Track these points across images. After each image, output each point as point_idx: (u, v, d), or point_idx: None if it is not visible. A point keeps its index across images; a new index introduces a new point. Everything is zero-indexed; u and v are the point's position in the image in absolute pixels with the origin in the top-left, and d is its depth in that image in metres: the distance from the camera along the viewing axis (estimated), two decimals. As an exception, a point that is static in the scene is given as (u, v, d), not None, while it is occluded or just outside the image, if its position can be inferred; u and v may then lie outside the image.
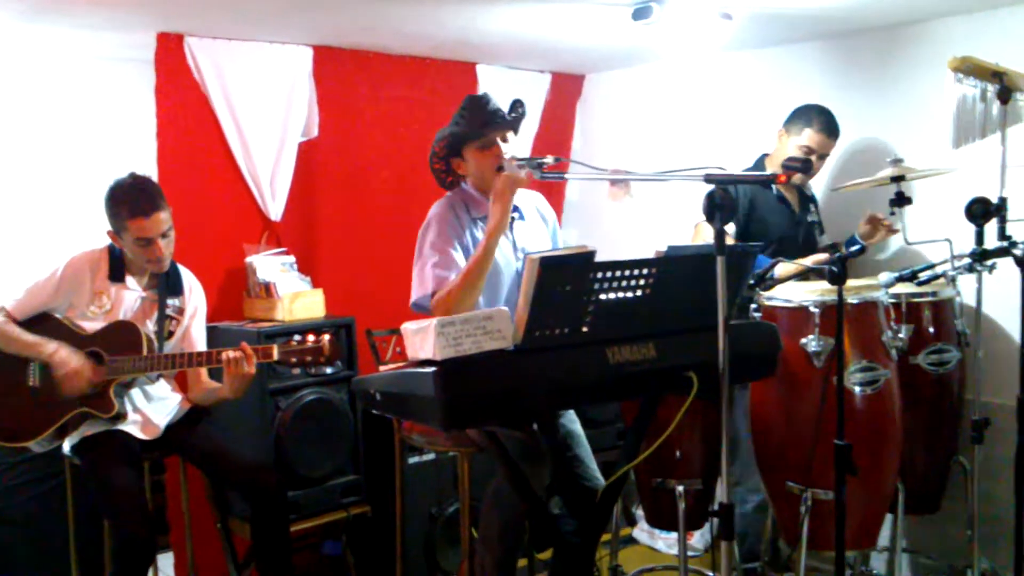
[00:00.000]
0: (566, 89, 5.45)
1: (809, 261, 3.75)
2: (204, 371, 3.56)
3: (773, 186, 4.01)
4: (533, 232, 3.40)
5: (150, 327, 3.46)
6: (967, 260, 3.33)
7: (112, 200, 3.36)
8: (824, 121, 3.95)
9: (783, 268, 3.53)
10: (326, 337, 3.33)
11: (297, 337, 3.36)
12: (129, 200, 3.33)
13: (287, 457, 3.87)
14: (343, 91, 4.50)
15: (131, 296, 3.47)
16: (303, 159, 4.39)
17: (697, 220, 4.06)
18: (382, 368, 2.77)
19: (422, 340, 2.41)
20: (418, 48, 4.59)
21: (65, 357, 3.29)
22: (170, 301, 3.54)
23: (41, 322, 3.40)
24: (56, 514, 3.81)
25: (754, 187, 3.93)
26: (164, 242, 3.38)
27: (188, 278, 3.64)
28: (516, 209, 3.36)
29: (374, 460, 4.18)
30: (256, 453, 3.78)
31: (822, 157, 3.98)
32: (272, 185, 4.30)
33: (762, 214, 3.96)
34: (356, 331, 4.12)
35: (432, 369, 2.33)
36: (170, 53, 3.97)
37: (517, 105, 3.29)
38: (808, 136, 3.94)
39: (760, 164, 4.13)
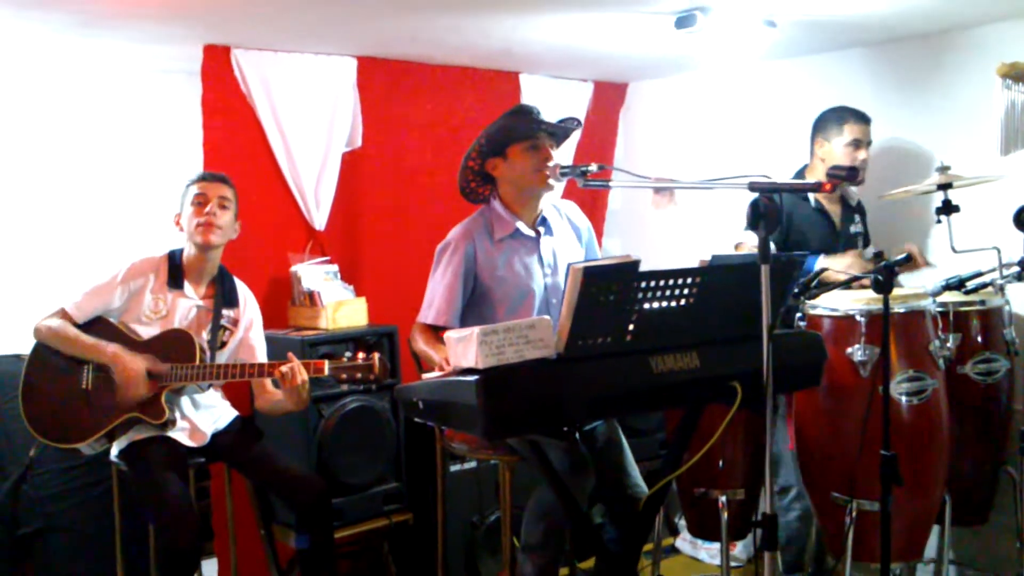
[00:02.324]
0: (609, 98, 5.45)
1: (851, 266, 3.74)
2: (268, 381, 3.58)
3: (812, 198, 3.98)
4: (562, 245, 3.40)
5: (204, 336, 3.51)
6: (1016, 268, 3.29)
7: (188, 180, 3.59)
8: (854, 111, 3.98)
9: (828, 275, 3.51)
10: (376, 355, 3.35)
11: (348, 354, 3.39)
12: (202, 173, 3.60)
13: (330, 464, 3.89)
14: (387, 101, 4.53)
15: (187, 304, 3.52)
16: (347, 169, 4.42)
17: (738, 240, 4.04)
18: (424, 376, 2.78)
19: (464, 349, 2.42)
20: (461, 58, 4.61)
21: (125, 361, 3.33)
22: (225, 312, 3.59)
23: (97, 326, 3.45)
24: (102, 520, 3.85)
25: (792, 199, 3.91)
26: (220, 212, 3.49)
27: (243, 290, 3.69)
28: (544, 222, 3.37)
29: (416, 468, 4.20)
30: (300, 460, 3.81)
31: (868, 145, 3.97)
32: (316, 195, 4.34)
33: (800, 226, 3.93)
34: (399, 340, 4.14)
35: (474, 378, 2.33)
36: (217, 65, 4.03)
37: (572, 120, 3.31)
38: (850, 130, 3.94)
39: (801, 176, 4.11)
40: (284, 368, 3.31)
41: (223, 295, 3.59)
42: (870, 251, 4.11)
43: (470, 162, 3.33)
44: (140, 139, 4.64)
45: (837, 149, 3.95)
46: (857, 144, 3.94)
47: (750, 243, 3.96)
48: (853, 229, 4.08)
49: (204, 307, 3.56)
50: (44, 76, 4.40)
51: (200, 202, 3.48)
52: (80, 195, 4.50)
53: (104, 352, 3.36)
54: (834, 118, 3.99)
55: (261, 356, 3.67)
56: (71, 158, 4.48)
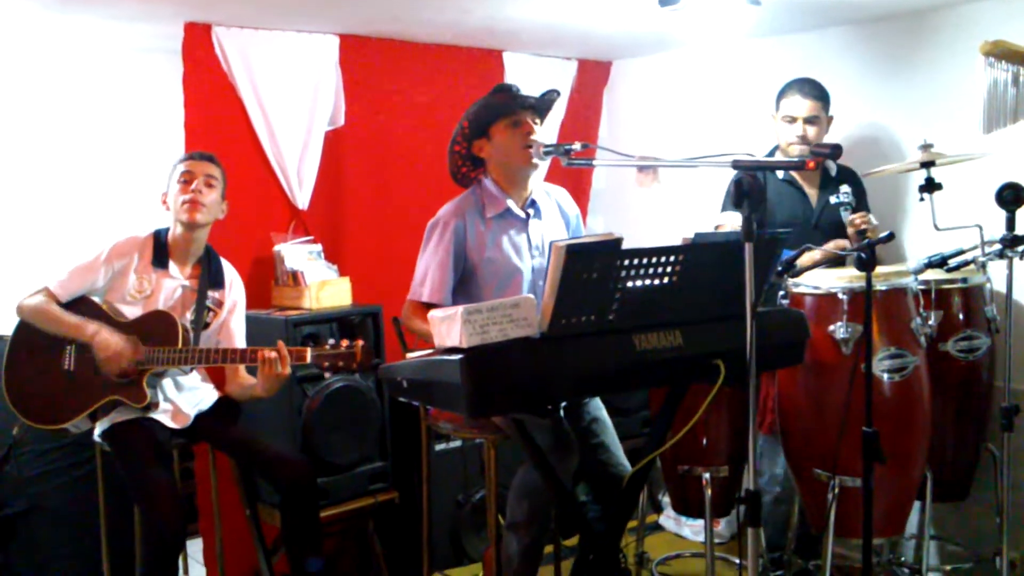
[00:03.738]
0: (593, 76, 5.43)
1: (831, 245, 3.75)
2: (242, 367, 3.58)
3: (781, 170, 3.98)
4: (550, 230, 3.40)
5: (188, 317, 3.49)
6: (998, 246, 3.30)
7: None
8: (798, 85, 3.95)
9: (807, 256, 3.51)
10: (360, 343, 3.35)
11: (332, 340, 3.38)
12: (189, 152, 3.59)
13: (314, 445, 3.89)
14: (369, 80, 4.51)
15: (172, 284, 3.51)
16: (330, 148, 4.40)
17: (718, 223, 4.04)
18: (409, 356, 2.78)
19: (449, 328, 2.42)
20: (444, 36, 4.59)
21: (106, 338, 3.32)
22: (211, 293, 3.57)
23: (80, 305, 3.44)
24: (86, 501, 3.85)
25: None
26: (205, 190, 3.47)
27: (230, 272, 3.68)
28: (533, 204, 3.37)
29: (401, 447, 4.20)
30: (284, 441, 3.80)
31: (812, 121, 3.93)
32: (299, 174, 4.32)
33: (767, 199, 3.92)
34: (383, 319, 4.14)
35: (458, 357, 2.34)
36: (198, 43, 3.99)
37: (551, 92, 3.30)
38: (786, 105, 3.94)
39: (772, 155, 4.10)
40: (271, 354, 3.31)
41: (209, 275, 3.58)
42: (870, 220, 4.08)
43: (456, 147, 3.33)
44: (121, 118, 4.61)
45: (780, 127, 3.96)
46: (791, 119, 3.92)
47: (730, 224, 3.97)
48: (833, 199, 4.03)
49: (189, 287, 3.54)
50: (23, 54, 4.36)
51: (186, 180, 3.47)
52: (61, 175, 4.47)
53: (85, 331, 3.34)
54: (779, 93, 3.99)
55: (239, 343, 3.64)
56: (51, 138, 4.45)
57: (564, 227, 3.48)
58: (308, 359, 3.33)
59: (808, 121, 3.92)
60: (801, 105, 3.91)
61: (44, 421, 3.41)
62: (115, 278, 3.47)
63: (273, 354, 3.31)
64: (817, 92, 3.94)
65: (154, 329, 3.39)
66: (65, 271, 3.45)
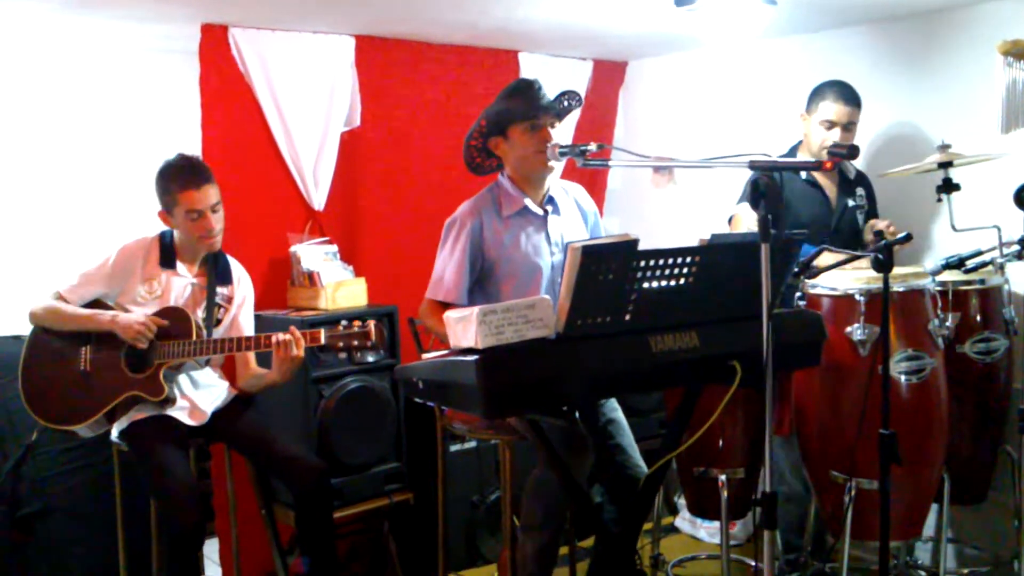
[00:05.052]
0: (608, 76, 5.43)
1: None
2: (252, 358, 3.60)
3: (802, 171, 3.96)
4: (569, 226, 3.39)
5: (199, 314, 3.51)
6: (1016, 247, 3.29)
7: (162, 177, 3.47)
8: (838, 90, 3.91)
9: (824, 257, 3.50)
10: (372, 322, 3.35)
11: (344, 322, 3.38)
12: (179, 175, 3.44)
13: (330, 445, 3.89)
14: (385, 80, 4.52)
15: (181, 283, 3.53)
16: (346, 149, 4.41)
17: (732, 213, 4.03)
18: (424, 356, 2.78)
19: (464, 328, 2.42)
20: (460, 36, 4.59)
21: (126, 319, 3.35)
22: (219, 289, 3.59)
23: (94, 308, 3.46)
24: (103, 501, 3.86)
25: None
26: (215, 217, 3.47)
27: (237, 268, 3.69)
28: (551, 201, 3.36)
29: (416, 448, 4.21)
30: (300, 441, 3.81)
31: (848, 128, 3.90)
32: (315, 175, 4.33)
33: (790, 201, 3.90)
34: (399, 320, 4.14)
35: (474, 357, 2.33)
36: (214, 44, 4.00)
37: (572, 96, 3.29)
38: (825, 109, 3.89)
39: (794, 152, 4.09)
40: (282, 337, 3.32)
41: (216, 272, 3.59)
42: (880, 223, 4.07)
43: (472, 141, 3.34)
44: (137, 119, 4.63)
45: (813, 128, 3.93)
46: (830, 125, 3.88)
47: (744, 215, 3.95)
48: (851, 203, 4.03)
49: (198, 284, 3.56)
50: (41, 56, 4.39)
51: (194, 217, 3.43)
52: (78, 176, 4.49)
53: (102, 319, 3.37)
54: (815, 93, 3.95)
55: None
56: (68, 139, 4.47)
57: (583, 223, 3.47)
58: (322, 340, 3.33)
59: (846, 128, 3.90)
60: (841, 112, 3.88)
61: (61, 422, 3.42)
62: (125, 281, 3.49)
63: (287, 337, 3.32)
64: (855, 98, 3.91)
65: (168, 324, 3.40)
66: (74, 276, 3.48)
